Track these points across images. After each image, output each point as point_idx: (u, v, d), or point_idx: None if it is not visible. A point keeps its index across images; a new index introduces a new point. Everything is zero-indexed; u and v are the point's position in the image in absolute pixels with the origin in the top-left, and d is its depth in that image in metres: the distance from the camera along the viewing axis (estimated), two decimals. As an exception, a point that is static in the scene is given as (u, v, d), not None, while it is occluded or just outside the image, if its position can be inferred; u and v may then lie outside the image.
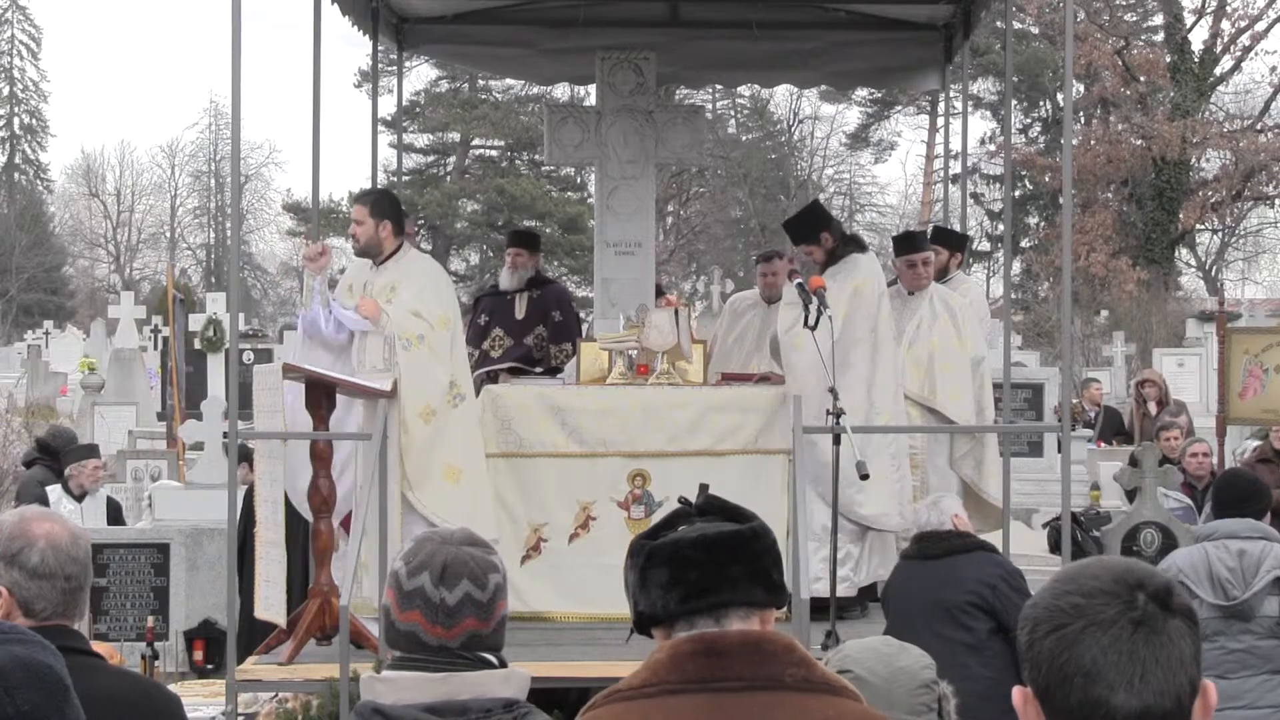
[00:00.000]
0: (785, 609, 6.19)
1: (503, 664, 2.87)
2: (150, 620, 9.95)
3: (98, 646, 8.85)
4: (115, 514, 11.74)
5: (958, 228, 11.64)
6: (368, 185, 10.53)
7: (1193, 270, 47.74)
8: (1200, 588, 6.01)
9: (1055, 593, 2.01)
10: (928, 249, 9.17)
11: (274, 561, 7.34)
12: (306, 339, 7.87)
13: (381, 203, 8.00)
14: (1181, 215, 40.12)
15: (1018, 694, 2.03)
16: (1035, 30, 44.32)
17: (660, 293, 10.47)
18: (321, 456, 7.26)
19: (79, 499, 11.30)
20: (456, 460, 7.63)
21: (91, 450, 12.06)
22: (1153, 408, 16.05)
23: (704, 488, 2.81)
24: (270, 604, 7.33)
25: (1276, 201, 43.36)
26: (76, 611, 3.32)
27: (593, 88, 10.75)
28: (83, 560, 3.30)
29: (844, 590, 8.04)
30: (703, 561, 2.65)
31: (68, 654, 3.21)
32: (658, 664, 2.63)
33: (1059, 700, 1.96)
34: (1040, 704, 1.99)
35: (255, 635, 7.74)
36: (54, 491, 11.26)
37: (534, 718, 2.82)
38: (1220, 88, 42.25)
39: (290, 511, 7.42)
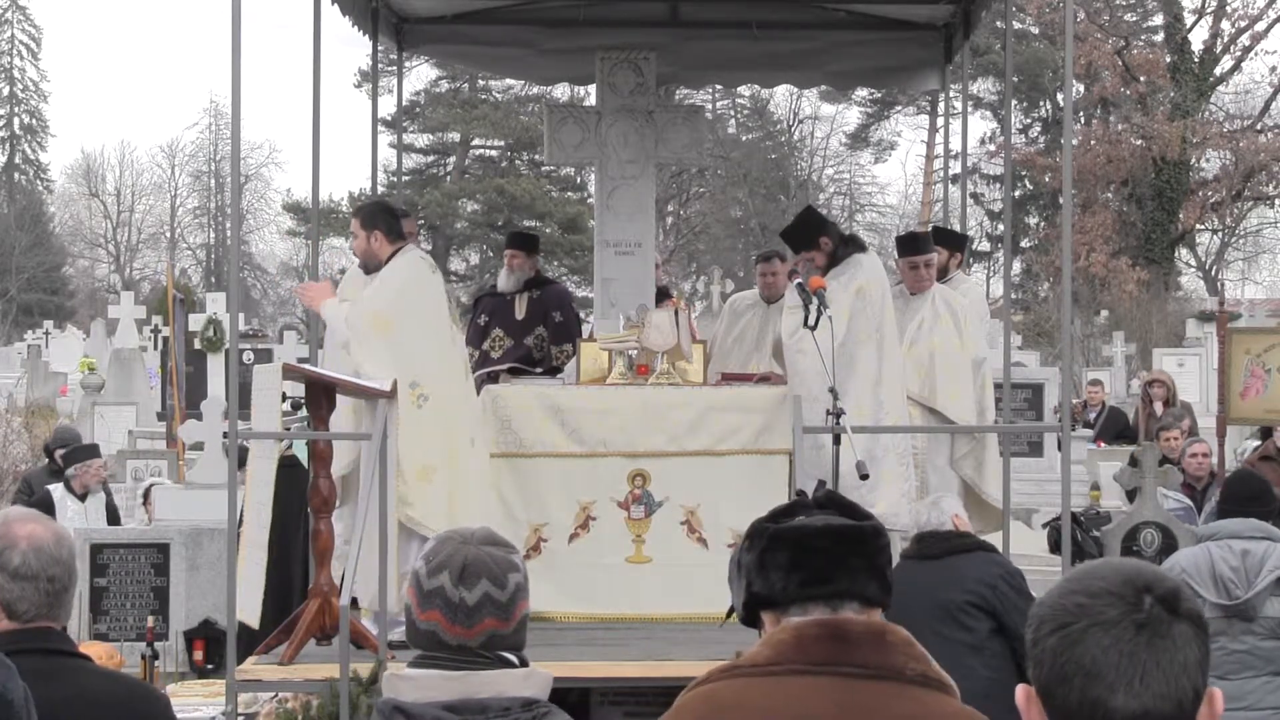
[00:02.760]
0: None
1: (524, 663, 2.86)
2: (150, 620, 9.96)
3: (97, 646, 8.85)
4: (113, 517, 11.75)
5: (958, 228, 11.61)
6: (368, 185, 10.54)
7: (1193, 270, 47.72)
8: (1203, 587, 6.02)
9: (1062, 592, 2.01)
10: (931, 251, 9.13)
11: (254, 563, 7.21)
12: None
13: (371, 214, 7.89)
14: (1181, 215, 40.12)
15: (1021, 692, 2.03)
16: (1035, 30, 44.33)
17: (667, 295, 10.45)
18: (321, 456, 7.24)
19: (81, 499, 11.33)
20: (431, 460, 7.50)
21: (93, 450, 12.09)
22: (1159, 408, 16.01)
23: (821, 483, 2.83)
24: (246, 605, 7.09)
25: (1276, 201, 43.36)
26: (61, 613, 3.29)
27: (593, 88, 10.74)
28: (66, 561, 3.27)
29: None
30: (826, 549, 2.68)
31: (52, 655, 3.20)
32: (782, 644, 2.64)
33: (1060, 699, 1.96)
34: (1042, 703, 1.99)
35: (255, 635, 7.72)
36: (57, 490, 11.28)
37: (554, 717, 2.81)
38: (1220, 88, 42.27)
39: (288, 512, 7.37)
